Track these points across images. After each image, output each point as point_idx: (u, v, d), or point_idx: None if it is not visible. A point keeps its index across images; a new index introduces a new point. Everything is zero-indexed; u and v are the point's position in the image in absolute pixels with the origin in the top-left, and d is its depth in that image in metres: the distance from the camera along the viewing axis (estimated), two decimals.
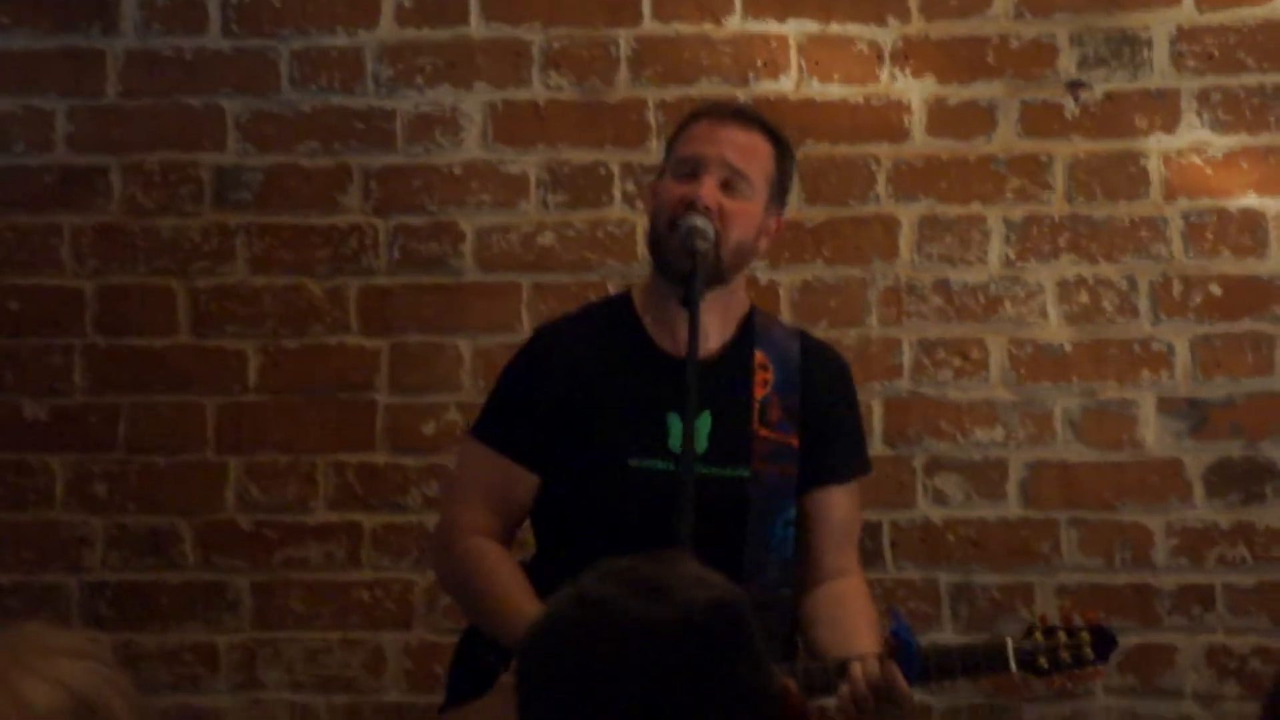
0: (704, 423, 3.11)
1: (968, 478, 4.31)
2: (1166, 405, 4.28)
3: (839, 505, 3.24)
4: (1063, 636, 3.01)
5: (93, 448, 4.45)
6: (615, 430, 3.14)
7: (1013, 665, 2.99)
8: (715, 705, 1.64)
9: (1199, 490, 4.26)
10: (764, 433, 3.16)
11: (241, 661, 4.40)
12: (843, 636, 3.09)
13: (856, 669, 2.95)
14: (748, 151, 3.16)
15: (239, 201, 4.47)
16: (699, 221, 3.07)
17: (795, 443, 3.17)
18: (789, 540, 3.16)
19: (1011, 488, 4.30)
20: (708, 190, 3.10)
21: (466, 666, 3.25)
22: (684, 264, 3.05)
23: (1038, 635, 3.01)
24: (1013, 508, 4.30)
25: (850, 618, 3.14)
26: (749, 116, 3.25)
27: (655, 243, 3.16)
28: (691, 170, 3.13)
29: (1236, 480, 4.25)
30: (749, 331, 3.23)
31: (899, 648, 2.95)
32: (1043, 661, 2.99)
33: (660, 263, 3.14)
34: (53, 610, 4.39)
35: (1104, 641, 3.01)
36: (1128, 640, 4.20)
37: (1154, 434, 4.28)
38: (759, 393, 3.18)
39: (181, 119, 4.48)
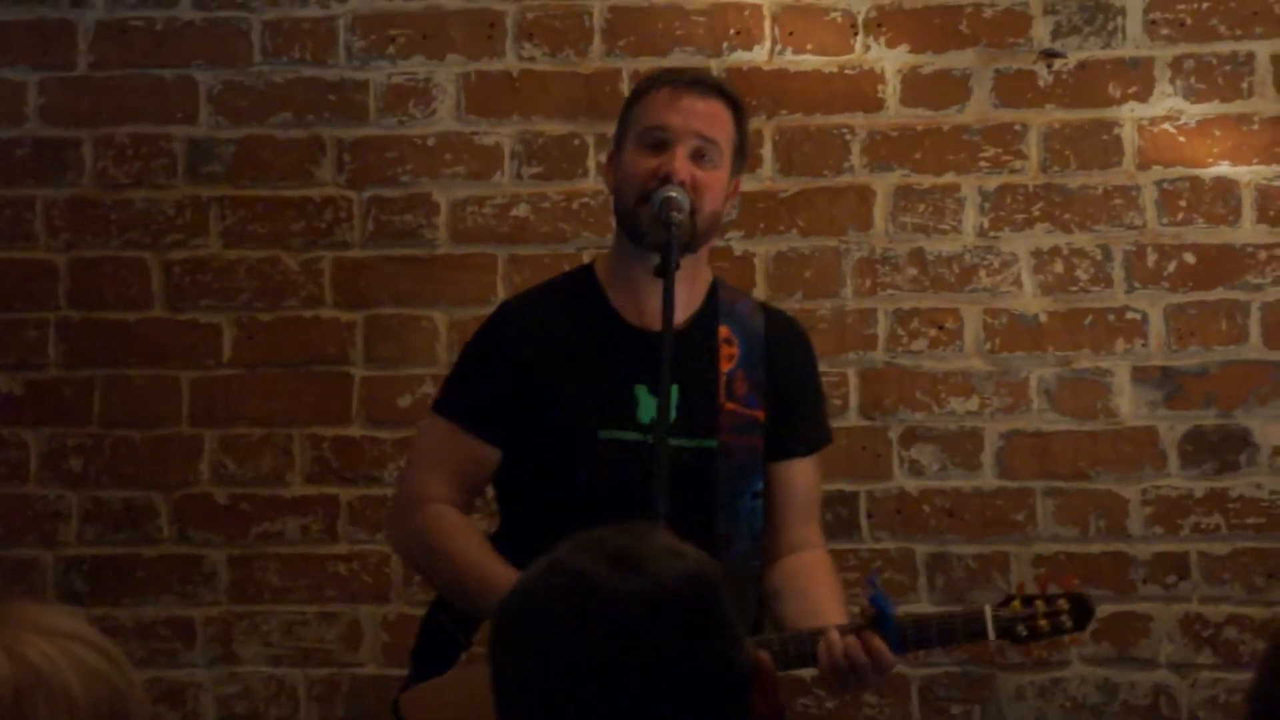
0: (673, 395, 3.11)
1: (943, 448, 4.31)
2: (1141, 374, 4.29)
3: (802, 477, 3.25)
4: (1041, 605, 3.01)
5: (67, 421, 4.44)
6: (584, 402, 3.14)
7: (991, 634, 3.00)
8: (688, 676, 1.64)
9: (1173, 459, 4.27)
10: (730, 406, 3.16)
11: (218, 635, 4.40)
12: (810, 608, 3.10)
13: (832, 638, 2.96)
14: (712, 119, 3.15)
15: (212, 174, 4.45)
16: (674, 192, 3.06)
17: (761, 416, 3.18)
18: (758, 513, 3.17)
19: (987, 458, 4.31)
20: (681, 163, 3.09)
21: (431, 642, 3.25)
22: (659, 235, 3.04)
23: (1016, 604, 3.01)
24: (988, 478, 4.31)
25: (817, 588, 3.15)
26: (706, 83, 3.22)
27: (625, 216, 3.15)
28: (659, 141, 3.12)
29: (1210, 449, 4.27)
30: (713, 304, 3.23)
31: (877, 616, 2.96)
32: (1021, 630, 3.00)
33: (633, 235, 3.13)
34: (28, 585, 4.38)
35: (1082, 610, 3.02)
36: (1103, 609, 4.20)
37: (1129, 403, 4.29)
38: (725, 366, 3.18)
39: (153, 91, 4.46)
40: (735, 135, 3.19)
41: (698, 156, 3.11)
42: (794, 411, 3.23)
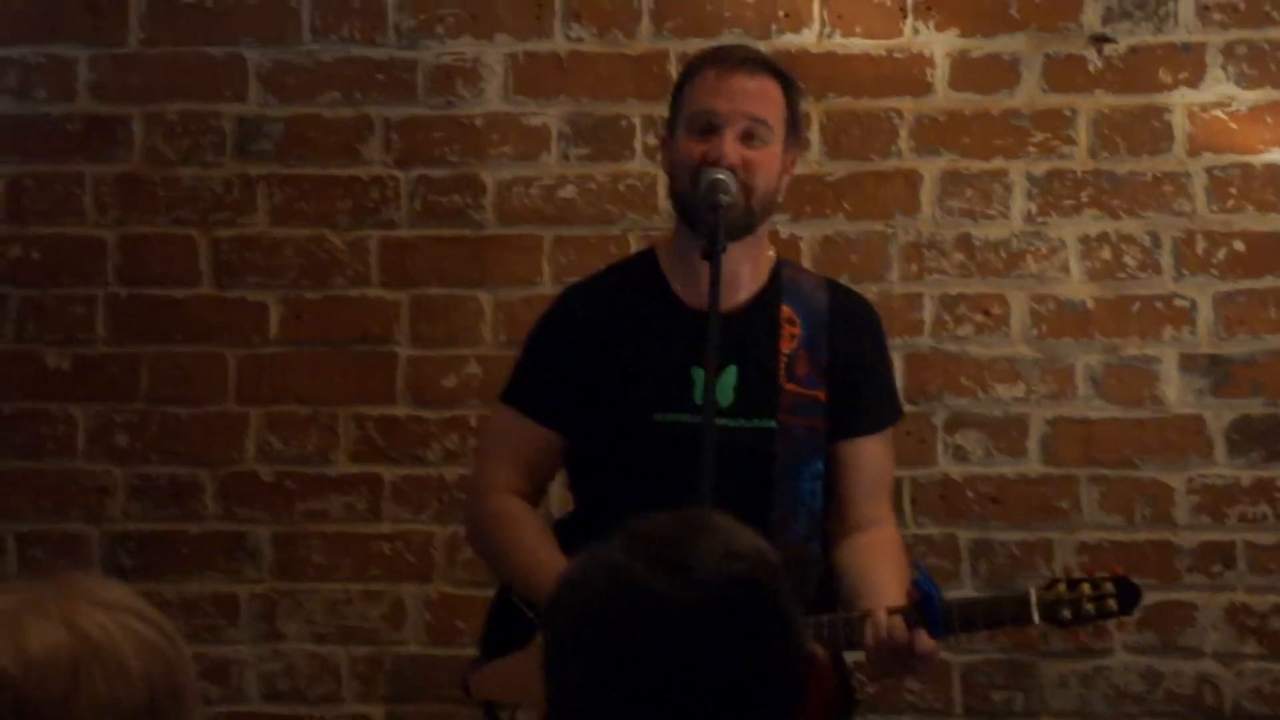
0: (730, 376, 3.11)
1: (988, 434, 4.30)
2: (1188, 362, 4.27)
3: (870, 455, 3.22)
4: (1086, 588, 2.98)
5: (114, 397, 4.46)
6: (640, 386, 3.14)
7: (1036, 617, 2.97)
8: (739, 679, 1.63)
9: (1220, 447, 4.25)
10: (791, 387, 3.15)
11: (262, 612, 4.42)
12: (869, 588, 3.07)
13: (879, 619, 2.95)
14: (761, 98, 3.14)
15: (260, 152, 4.47)
16: (720, 174, 3.05)
17: (823, 397, 3.16)
18: (817, 494, 3.16)
19: (1032, 444, 4.29)
20: (730, 147, 3.08)
21: (503, 620, 3.26)
22: (708, 218, 3.04)
23: (1061, 587, 2.98)
24: (1033, 464, 4.29)
25: (878, 567, 3.11)
26: (754, 60, 3.20)
27: (680, 200, 3.15)
28: (708, 126, 3.11)
29: (1258, 438, 4.24)
30: (776, 284, 3.21)
31: (922, 600, 2.94)
32: (1066, 613, 2.97)
33: (688, 219, 3.12)
34: (74, 560, 4.40)
35: (1128, 593, 2.99)
36: (1148, 598, 4.17)
37: (1175, 391, 4.27)
38: (786, 347, 3.17)
39: (203, 69, 4.47)
40: (786, 111, 3.17)
41: (747, 137, 3.10)
42: (858, 390, 3.20)
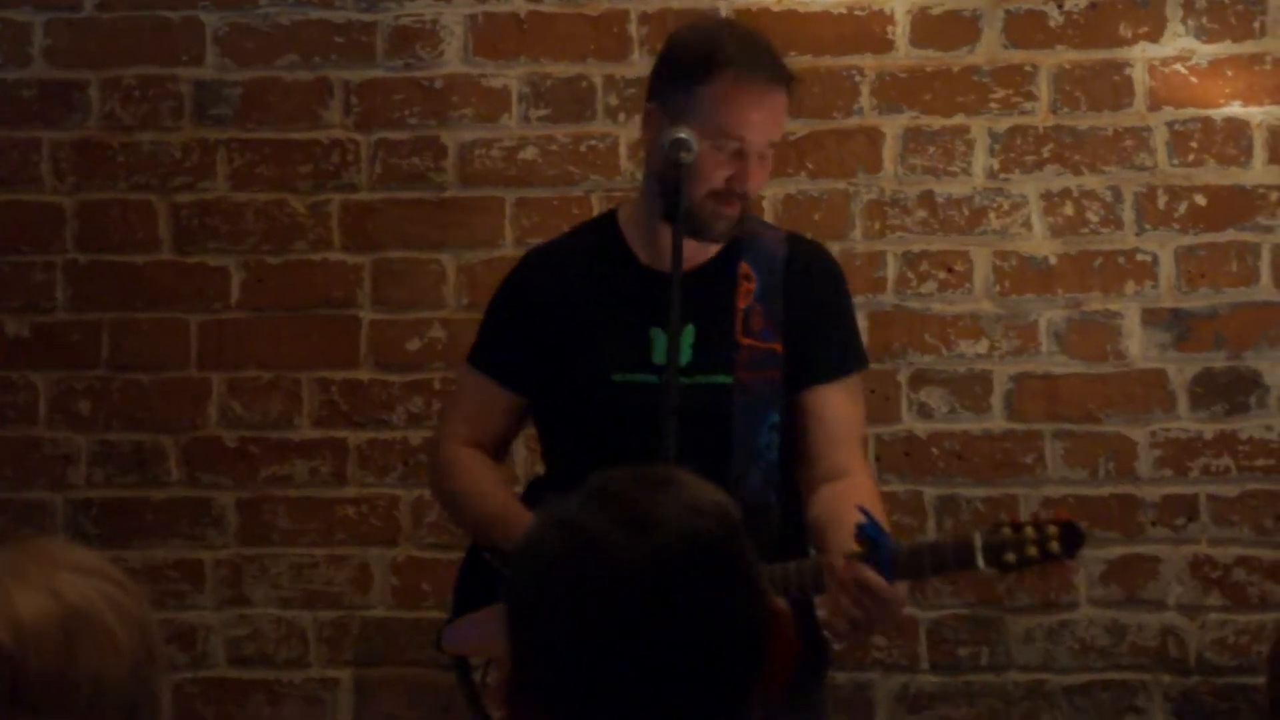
0: (688, 335, 3.12)
1: (952, 391, 4.31)
2: (1151, 316, 4.28)
3: (832, 404, 3.21)
4: (1030, 532, 2.96)
5: (75, 365, 4.44)
6: (599, 346, 3.15)
7: (980, 561, 2.96)
8: (704, 636, 1.63)
9: (1183, 401, 4.27)
10: (747, 341, 3.16)
11: (228, 578, 4.41)
12: (835, 535, 3.07)
13: (827, 567, 2.95)
14: (780, 118, 3.14)
15: (219, 116, 4.44)
16: (683, 134, 3.04)
17: (779, 349, 3.16)
18: (773, 446, 3.16)
19: (996, 400, 4.30)
20: (754, 180, 3.09)
21: (474, 575, 3.29)
22: (672, 180, 3.04)
23: (1005, 531, 2.97)
24: (997, 420, 4.30)
25: (843, 516, 3.10)
26: (780, 73, 3.13)
27: (670, 196, 3.08)
28: (738, 151, 3.08)
29: (1220, 391, 4.26)
30: (737, 242, 3.21)
31: (868, 545, 2.93)
32: (1010, 557, 2.95)
33: (669, 206, 3.09)
34: (37, 528, 4.38)
35: (1071, 537, 2.98)
36: (1111, 551, 4.22)
37: (1138, 345, 4.28)
38: (742, 302, 3.17)
39: (159, 33, 4.44)
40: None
41: (761, 158, 3.10)
42: (817, 338, 3.20)
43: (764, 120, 3.10)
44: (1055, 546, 2.94)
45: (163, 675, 1.74)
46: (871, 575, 2.89)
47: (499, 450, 3.34)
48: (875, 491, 3.22)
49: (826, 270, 3.30)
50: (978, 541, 2.95)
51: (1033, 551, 2.95)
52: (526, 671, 1.67)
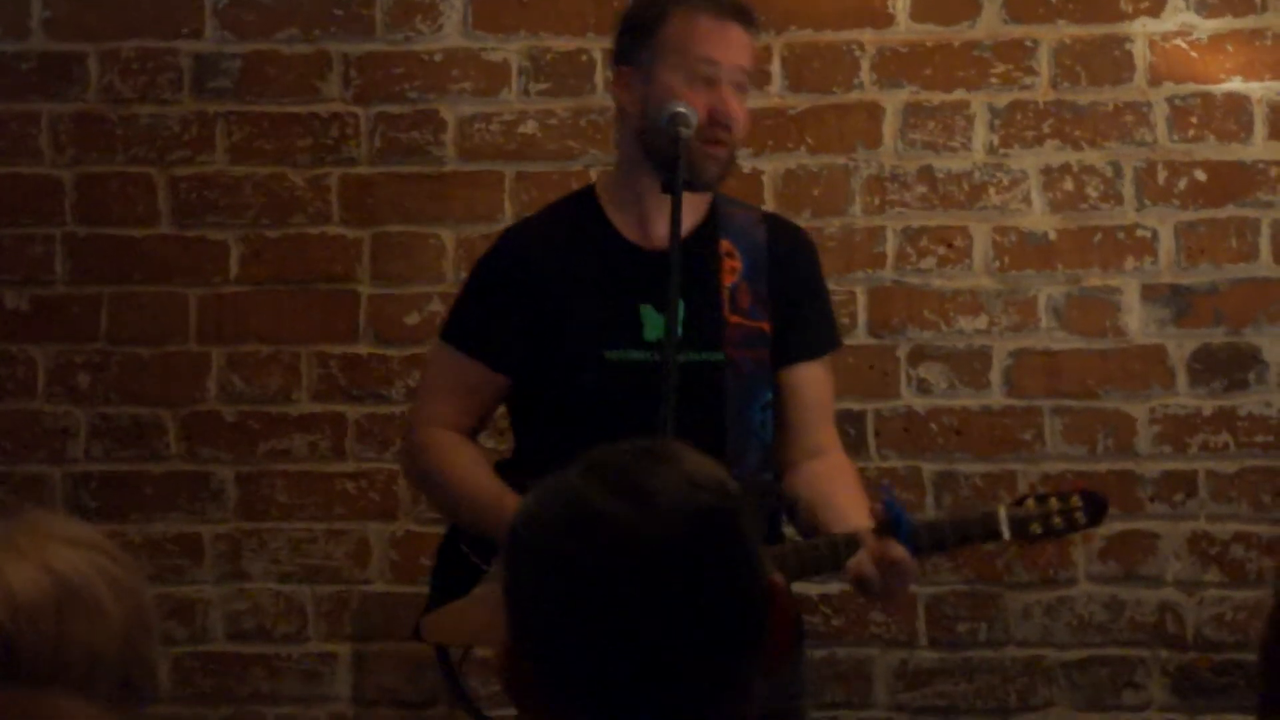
0: (679, 310, 3.11)
1: (951, 367, 4.31)
2: (1150, 292, 4.27)
3: (813, 381, 3.25)
4: (1054, 503, 3.00)
5: (74, 338, 4.43)
6: (589, 324, 3.14)
7: (1006, 533, 2.98)
8: (704, 609, 1.62)
9: (1182, 377, 4.26)
10: (735, 319, 3.16)
11: (226, 552, 4.41)
12: (836, 513, 3.08)
13: (868, 542, 2.96)
14: (749, 50, 3.15)
15: (218, 89, 4.43)
16: (682, 107, 3.04)
17: (767, 328, 3.18)
18: (768, 425, 3.18)
19: (995, 376, 4.30)
20: (734, 104, 3.09)
21: (450, 563, 3.27)
22: (671, 151, 3.03)
23: (1030, 503, 3.01)
24: (996, 396, 4.30)
25: (839, 493, 3.14)
26: (744, 10, 3.17)
27: (647, 136, 3.11)
28: (708, 76, 3.09)
29: (1219, 367, 4.26)
30: (714, 218, 3.22)
31: (890, 521, 2.95)
32: (1036, 528, 2.98)
33: (653, 155, 3.10)
34: (36, 501, 4.38)
35: (1095, 505, 3.00)
36: (1110, 527, 4.22)
37: (1138, 321, 4.28)
38: (728, 280, 3.18)
39: (159, 5, 4.43)
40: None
41: (736, 89, 3.10)
42: (799, 317, 3.23)
43: (729, 44, 3.11)
44: (1080, 517, 2.97)
45: (157, 647, 1.74)
46: (901, 552, 2.92)
47: (476, 431, 3.30)
48: (853, 468, 3.29)
49: (808, 250, 3.33)
50: (1003, 514, 2.98)
51: (1058, 522, 2.98)
52: (524, 644, 1.67)
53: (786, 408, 3.21)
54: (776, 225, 3.30)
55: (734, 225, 3.22)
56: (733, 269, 3.19)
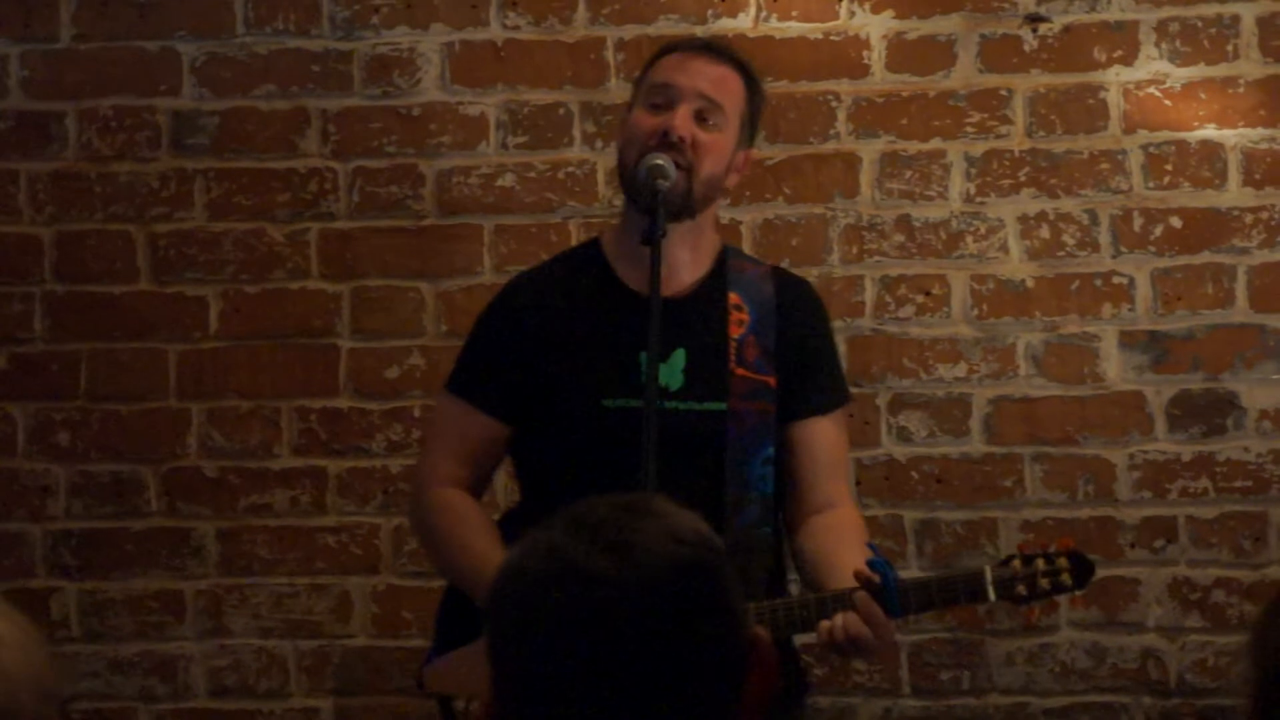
0: (679, 359, 3.12)
1: (931, 414, 4.32)
2: (1128, 339, 4.29)
3: (823, 436, 3.23)
4: (1041, 564, 2.99)
5: (54, 395, 4.43)
6: (588, 371, 3.14)
7: (991, 595, 2.98)
8: (680, 664, 1.63)
9: (1161, 423, 4.28)
10: (741, 372, 3.16)
11: (208, 608, 4.40)
12: (833, 570, 3.06)
13: (834, 623, 2.94)
14: (720, 83, 3.15)
15: (196, 146, 4.44)
16: (660, 160, 3.05)
17: (773, 382, 3.17)
18: (768, 479, 3.16)
19: (975, 424, 4.31)
20: (681, 121, 3.09)
21: (455, 611, 3.25)
22: (646, 200, 3.04)
23: (1016, 564, 2.99)
24: (976, 444, 4.31)
25: (840, 549, 3.09)
26: (721, 51, 3.22)
27: (625, 175, 3.15)
28: (664, 100, 3.12)
29: (1198, 413, 4.27)
30: (722, 271, 3.22)
31: (878, 581, 2.94)
32: (1021, 590, 2.97)
33: (631, 196, 3.13)
34: (16, 559, 4.38)
35: (1082, 568, 3.00)
36: None
37: (1116, 367, 4.29)
38: (735, 332, 3.17)
39: (137, 63, 4.44)
40: (745, 106, 3.19)
41: (700, 117, 3.11)
42: (808, 372, 3.22)
43: (687, 71, 3.14)
44: (1067, 579, 2.97)
45: (58, 708, 1.71)
46: (879, 613, 2.91)
47: (484, 482, 3.30)
48: (862, 523, 3.26)
49: (816, 306, 3.33)
50: (989, 575, 2.97)
51: (1044, 584, 2.97)
52: (507, 698, 1.67)
53: (797, 463, 3.20)
54: (785, 280, 3.30)
55: (742, 279, 3.23)
56: (740, 321, 3.19)
